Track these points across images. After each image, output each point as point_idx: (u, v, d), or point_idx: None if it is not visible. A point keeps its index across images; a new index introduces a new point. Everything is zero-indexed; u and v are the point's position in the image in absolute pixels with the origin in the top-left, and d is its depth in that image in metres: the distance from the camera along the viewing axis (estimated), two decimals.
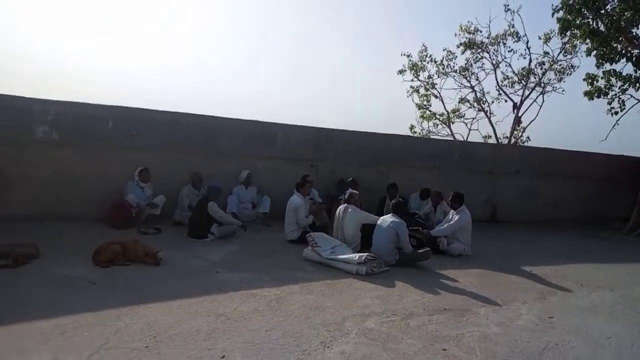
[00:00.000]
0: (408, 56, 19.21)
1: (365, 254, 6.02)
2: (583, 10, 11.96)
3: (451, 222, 7.53)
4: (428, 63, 19.15)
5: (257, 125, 9.56)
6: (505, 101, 19.17)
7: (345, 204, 7.19)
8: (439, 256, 7.06)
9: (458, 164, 11.43)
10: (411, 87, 19.94)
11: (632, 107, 13.92)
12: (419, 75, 19.46)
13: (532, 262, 7.21)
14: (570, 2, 11.92)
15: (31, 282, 4.70)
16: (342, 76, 37.99)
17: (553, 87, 18.66)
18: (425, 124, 20.55)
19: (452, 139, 19.74)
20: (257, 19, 42.33)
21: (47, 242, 5.92)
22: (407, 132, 20.13)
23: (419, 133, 20.53)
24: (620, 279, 6.72)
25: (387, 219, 6.69)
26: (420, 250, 6.63)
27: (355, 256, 6.00)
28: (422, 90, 19.94)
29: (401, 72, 19.47)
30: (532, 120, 19.09)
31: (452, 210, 7.71)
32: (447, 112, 20.17)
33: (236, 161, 9.19)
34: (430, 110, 20.31)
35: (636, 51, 12.71)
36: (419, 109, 20.31)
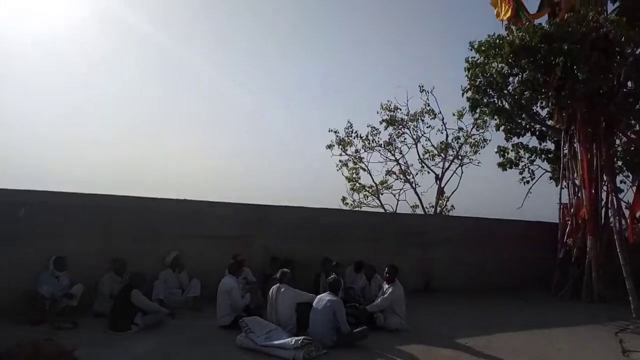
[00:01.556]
0: (335, 132, 20.06)
1: (302, 338, 5.78)
2: (488, 90, 13.20)
3: (385, 296, 7.52)
4: (354, 138, 20.06)
5: (183, 205, 9.30)
6: (428, 173, 20.26)
7: (278, 284, 6.97)
8: (377, 332, 6.94)
9: (390, 235, 11.66)
10: (340, 161, 20.64)
11: (541, 176, 15.27)
12: (346, 149, 20.25)
13: (466, 333, 7.28)
14: (477, 84, 13.14)
15: None
16: (274, 152, 38.54)
17: (470, 159, 20.06)
18: (356, 196, 21.08)
19: (382, 210, 20.30)
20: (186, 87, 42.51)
21: None
22: (340, 205, 20.52)
23: (351, 205, 20.96)
24: (551, 344, 6.96)
25: (323, 298, 6.54)
26: (357, 330, 6.48)
27: (292, 340, 5.74)
28: (350, 164, 20.65)
29: (330, 147, 20.19)
30: (454, 191, 20.18)
31: (386, 284, 7.72)
32: (376, 184, 20.89)
33: (162, 243, 8.77)
34: (359, 183, 20.93)
35: (538, 126, 14.13)
36: (349, 182, 20.89)
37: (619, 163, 14.26)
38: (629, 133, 13.10)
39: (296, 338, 5.79)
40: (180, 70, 40.36)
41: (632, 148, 13.45)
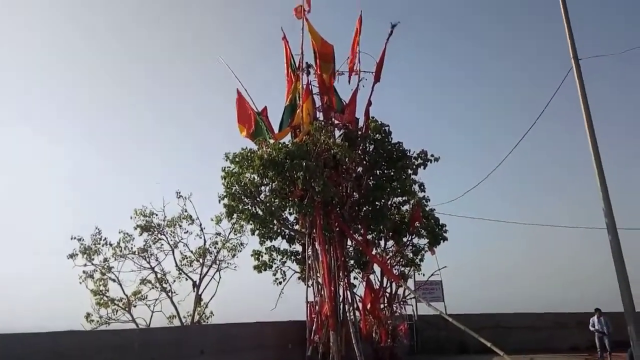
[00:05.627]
0: (79, 240, 17.86)
1: None
2: (243, 197, 14.02)
3: None
4: (103, 246, 18.19)
5: None
6: (186, 280, 19.52)
7: None
8: None
9: (138, 355, 10.45)
10: (84, 272, 18.21)
11: (291, 276, 16.40)
12: (93, 259, 18.11)
13: None
14: (233, 191, 13.84)
15: None
16: None
17: (227, 263, 20.23)
18: (103, 311, 18.58)
19: (133, 325, 18.35)
20: None
21: None
22: (83, 323, 17.68)
23: (97, 322, 18.32)
24: None
25: None
26: None
27: None
28: (97, 275, 18.41)
29: (72, 256, 17.72)
30: (213, 296, 19.80)
31: None
32: (127, 296, 18.96)
33: None
34: (107, 296, 18.67)
35: (287, 230, 15.47)
36: (95, 295, 18.42)
37: (351, 262, 16.51)
38: (356, 236, 15.44)
39: None
40: None
41: (360, 249, 15.83)
